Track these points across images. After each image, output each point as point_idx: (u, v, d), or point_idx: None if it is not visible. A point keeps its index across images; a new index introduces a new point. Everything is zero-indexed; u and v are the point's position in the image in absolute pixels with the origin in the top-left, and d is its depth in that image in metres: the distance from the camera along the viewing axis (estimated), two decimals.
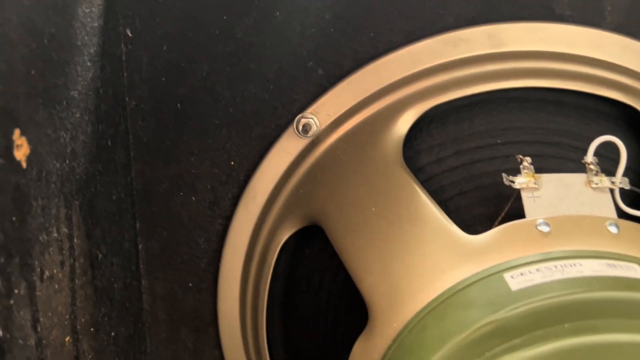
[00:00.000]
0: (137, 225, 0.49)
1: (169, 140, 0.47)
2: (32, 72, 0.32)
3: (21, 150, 0.31)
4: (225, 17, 0.44)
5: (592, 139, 0.39)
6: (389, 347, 0.35)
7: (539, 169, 0.40)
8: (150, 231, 0.49)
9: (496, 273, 0.33)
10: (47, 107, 0.34)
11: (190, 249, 0.49)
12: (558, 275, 0.31)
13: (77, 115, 0.38)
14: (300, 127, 0.45)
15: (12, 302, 0.30)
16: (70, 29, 0.37)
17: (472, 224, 0.41)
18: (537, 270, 0.32)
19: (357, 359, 0.38)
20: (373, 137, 0.42)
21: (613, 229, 0.34)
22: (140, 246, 0.49)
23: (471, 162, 0.43)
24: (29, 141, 0.32)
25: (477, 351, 0.29)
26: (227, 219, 0.48)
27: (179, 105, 0.46)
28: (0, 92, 0.29)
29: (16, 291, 0.31)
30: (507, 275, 0.32)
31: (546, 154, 0.43)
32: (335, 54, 0.44)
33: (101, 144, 0.41)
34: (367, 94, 0.43)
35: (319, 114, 0.45)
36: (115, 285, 0.44)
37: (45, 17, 0.34)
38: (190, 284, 0.50)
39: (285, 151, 0.46)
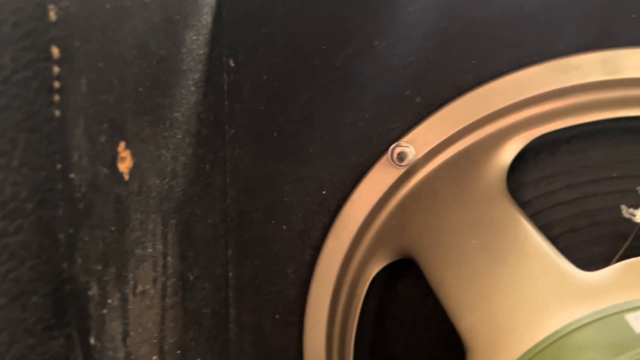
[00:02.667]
0: (229, 252, 0.49)
1: (265, 169, 0.47)
2: (141, 90, 0.34)
3: (125, 163, 0.32)
4: (325, 47, 0.44)
5: None
6: None
7: None
8: (242, 259, 0.49)
9: (617, 313, 0.29)
10: (152, 125, 0.35)
11: (279, 279, 0.48)
12: None
13: (179, 136, 0.39)
14: (395, 156, 0.43)
15: (105, 311, 0.31)
16: (178, 54, 0.38)
17: (586, 264, 0.37)
18: None
19: None
20: (475, 167, 0.40)
21: None
22: (230, 274, 0.49)
23: (584, 197, 0.39)
24: (133, 155, 0.33)
25: None
26: (317, 249, 0.47)
27: (276, 134, 0.46)
28: (111, 104, 0.30)
29: (110, 301, 0.31)
30: (629, 317, 0.29)
31: None
32: (435, 83, 0.43)
33: (200, 168, 0.42)
34: (469, 122, 0.41)
35: (415, 143, 0.43)
36: (205, 310, 0.44)
37: (157, 40, 0.35)
38: (277, 316, 0.49)
39: (378, 181, 0.44)
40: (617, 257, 0.35)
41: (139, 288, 0.34)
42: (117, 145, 0.31)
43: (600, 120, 0.39)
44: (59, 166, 0.26)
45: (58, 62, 0.27)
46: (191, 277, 0.42)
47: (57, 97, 0.27)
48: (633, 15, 0.39)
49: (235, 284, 0.49)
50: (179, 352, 0.40)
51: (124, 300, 0.33)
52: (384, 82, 0.44)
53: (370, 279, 0.44)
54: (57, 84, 0.27)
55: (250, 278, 0.49)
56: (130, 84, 0.33)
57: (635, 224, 0.34)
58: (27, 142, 0.25)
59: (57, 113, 0.27)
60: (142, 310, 0.35)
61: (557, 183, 0.40)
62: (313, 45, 0.45)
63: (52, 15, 0.27)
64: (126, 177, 0.32)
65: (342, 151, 0.46)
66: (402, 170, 0.43)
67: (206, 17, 0.42)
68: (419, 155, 0.43)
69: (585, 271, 0.33)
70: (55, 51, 0.27)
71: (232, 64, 0.46)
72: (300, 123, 0.46)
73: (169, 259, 0.38)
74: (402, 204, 0.43)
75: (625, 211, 0.35)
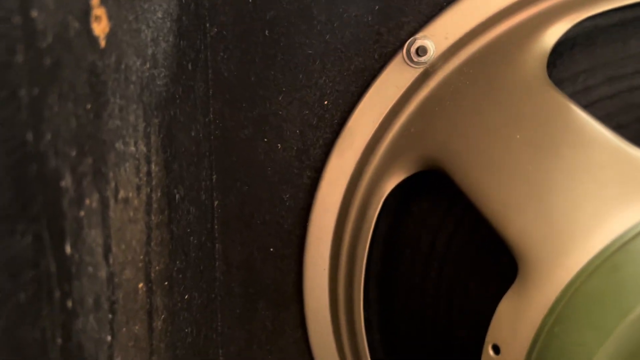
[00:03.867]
0: (214, 177, 0.42)
1: (254, 76, 0.40)
2: None
3: (100, 25, 0.25)
4: None
5: None
6: (558, 301, 0.27)
7: None
8: (229, 185, 0.42)
9: None
10: None
11: (273, 207, 0.42)
12: None
13: (159, 15, 0.31)
14: (413, 52, 0.37)
15: (82, 213, 0.23)
16: None
17: None
18: None
19: (506, 322, 0.29)
20: (508, 56, 0.34)
21: None
22: (216, 202, 0.42)
23: (629, 90, 0.35)
24: (109, 17, 0.25)
25: None
26: (318, 170, 0.41)
27: (267, 32, 0.39)
28: None
29: (87, 202, 0.24)
30: None
31: None
32: None
33: (182, 64, 0.35)
34: (497, 9, 0.36)
35: (435, 37, 0.37)
36: (192, 239, 0.37)
37: None
38: (272, 249, 0.42)
39: (392, 85, 0.38)
40: None
41: (121, 193, 0.27)
42: None
43: None
44: None
45: None
46: (177, 196, 0.34)
47: None
48: None
49: (221, 215, 0.42)
50: (166, 283, 0.33)
51: (104, 204, 0.25)
52: None
53: (384, 197, 0.38)
54: None
55: (239, 207, 0.42)
56: None
57: None
58: None
59: None
60: (125, 222, 0.28)
61: (597, 77, 0.36)
62: None
63: None
64: (102, 42, 0.25)
65: (346, 52, 0.39)
66: (420, 70, 0.37)
67: None
68: (440, 51, 0.37)
69: None
70: None
71: None
72: (295, 18, 0.39)
73: (153, 166, 0.31)
74: (421, 109, 0.37)
75: None
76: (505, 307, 0.30)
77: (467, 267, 0.38)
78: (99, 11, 0.24)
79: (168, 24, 0.32)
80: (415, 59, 0.37)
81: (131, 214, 0.28)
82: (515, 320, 0.29)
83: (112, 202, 0.26)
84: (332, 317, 0.42)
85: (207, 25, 0.39)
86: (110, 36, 0.25)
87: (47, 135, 0.21)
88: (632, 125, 0.34)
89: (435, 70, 0.37)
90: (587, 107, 0.36)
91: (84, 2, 0.23)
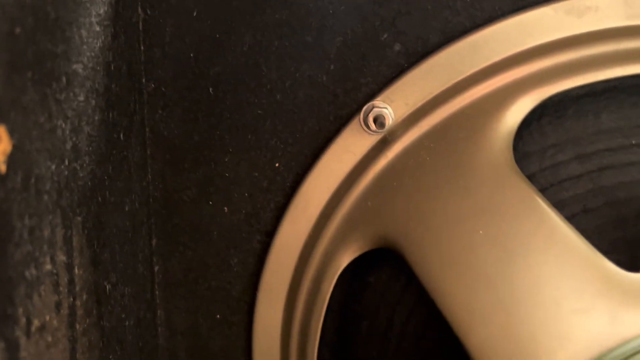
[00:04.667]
0: (154, 241, 0.38)
1: (198, 135, 0.36)
2: (18, 31, 0.22)
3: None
4: None
5: None
6: None
7: None
8: (171, 250, 0.38)
9: None
10: (38, 85, 0.23)
11: (220, 273, 0.39)
12: None
13: (81, 97, 0.27)
14: (370, 120, 0.34)
15: None
16: None
17: (605, 252, 0.31)
18: None
19: None
20: (473, 133, 0.32)
21: None
22: (156, 268, 0.39)
23: (599, 170, 0.33)
24: (11, 132, 0.21)
25: None
26: (269, 234, 0.38)
27: (211, 89, 0.36)
28: None
29: None
30: None
31: None
32: (419, 25, 0.34)
33: (112, 139, 0.31)
34: (462, 76, 0.33)
35: (394, 103, 0.34)
36: (127, 323, 0.34)
37: None
38: (219, 316, 0.40)
39: (347, 150, 0.35)
40: None
41: (35, 324, 0.24)
42: None
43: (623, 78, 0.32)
44: None
45: None
46: (108, 287, 0.31)
47: None
48: None
49: (163, 281, 0.39)
50: None
51: (11, 348, 0.22)
52: (353, 24, 0.34)
53: (339, 271, 0.36)
54: None
55: (183, 273, 0.39)
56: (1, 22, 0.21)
57: None
58: None
59: None
60: (42, 351, 0.24)
61: (566, 152, 0.34)
62: None
63: None
64: (3, 168, 0.21)
65: (299, 112, 0.36)
66: (378, 137, 0.34)
67: None
68: (400, 119, 0.34)
69: (629, 272, 0.27)
70: None
71: None
72: (242, 75, 0.35)
73: (77, 270, 0.27)
74: (378, 181, 0.34)
75: None
76: None
77: (426, 345, 0.36)
78: None
79: (93, 102, 0.28)
80: (372, 127, 0.34)
81: (49, 338, 0.25)
82: None
83: (23, 340, 0.23)
84: None
85: (143, 81, 0.35)
86: (14, 154, 0.21)
87: None
88: (600, 209, 0.32)
89: (394, 138, 0.34)
90: (555, 185, 0.34)
91: None
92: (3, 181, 0.21)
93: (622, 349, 0.24)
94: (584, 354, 0.25)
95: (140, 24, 0.35)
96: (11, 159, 0.21)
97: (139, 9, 0.34)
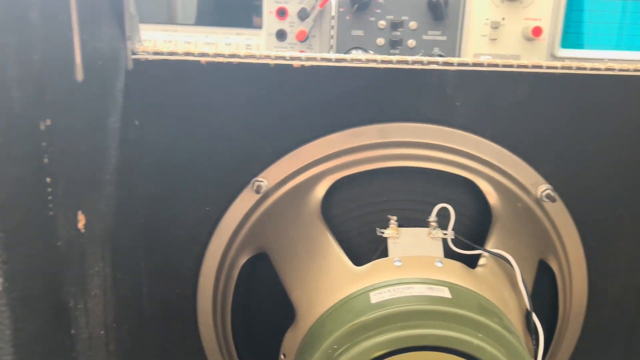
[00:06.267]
0: None
1: None
2: None
3: None
4: None
5: (447, 199, 0.62)
6: (305, 336, 0.58)
7: (410, 219, 0.63)
8: None
9: (365, 292, 0.56)
10: None
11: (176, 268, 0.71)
12: (399, 294, 0.53)
13: None
14: (255, 187, 0.66)
15: None
16: None
17: (365, 254, 0.63)
18: (389, 290, 0.54)
19: (287, 343, 0.60)
20: (302, 197, 0.64)
21: (439, 264, 0.57)
22: None
23: (366, 213, 0.65)
24: None
25: (349, 339, 0.52)
26: (204, 245, 0.70)
27: None
28: None
29: None
30: (371, 294, 0.55)
31: (416, 208, 0.65)
32: (279, 138, 0.66)
33: None
34: (299, 166, 0.65)
35: (268, 178, 0.66)
36: None
37: None
38: (177, 291, 0.72)
39: (244, 203, 0.67)
40: (375, 255, 0.61)
41: None
42: None
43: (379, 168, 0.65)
44: None
45: None
46: None
47: None
48: (397, 100, 0.64)
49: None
50: None
51: None
52: (242, 142, 0.66)
53: (241, 265, 0.68)
54: None
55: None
56: None
57: (383, 238, 0.60)
58: None
59: None
60: None
61: (352, 204, 0.66)
62: None
63: None
64: None
65: (219, 187, 0.67)
66: (259, 197, 0.67)
67: None
68: (271, 186, 0.66)
69: (364, 261, 0.60)
70: None
71: None
72: None
73: None
74: (260, 219, 0.66)
75: (378, 231, 0.61)
76: (288, 336, 0.60)
77: (280, 304, 0.69)
78: None
79: None
80: (256, 191, 0.66)
81: None
82: (293, 339, 0.60)
83: None
84: (214, 329, 0.72)
85: None
86: None
87: None
88: (365, 234, 0.65)
89: (269, 196, 0.66)
90: (345, 221, 0.66)
91: None
92: None
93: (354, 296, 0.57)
94: (333, 301, 0.57)
95: None
96: None
97: None
